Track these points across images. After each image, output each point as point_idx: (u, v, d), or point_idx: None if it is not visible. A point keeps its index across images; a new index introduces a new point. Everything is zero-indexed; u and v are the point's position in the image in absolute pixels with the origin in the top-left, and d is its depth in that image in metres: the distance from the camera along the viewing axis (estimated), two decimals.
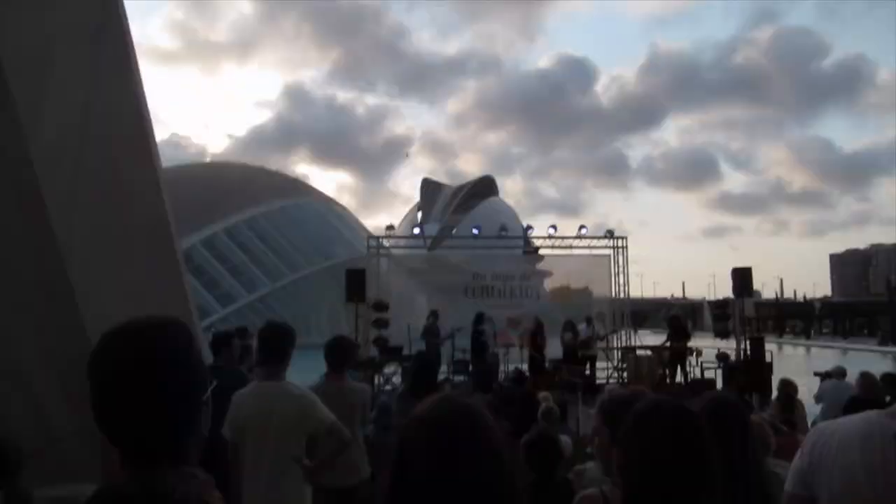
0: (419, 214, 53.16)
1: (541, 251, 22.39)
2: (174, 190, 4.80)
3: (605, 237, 20.97)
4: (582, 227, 20.82)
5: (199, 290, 40.28)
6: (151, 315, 1.48)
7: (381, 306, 17.71)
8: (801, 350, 55.77)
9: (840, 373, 10.56)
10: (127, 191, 4.45)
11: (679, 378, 16.48)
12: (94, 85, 4.23)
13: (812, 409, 10.09)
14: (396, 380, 15.42)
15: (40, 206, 4.07)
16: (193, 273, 38.51)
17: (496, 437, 1.43)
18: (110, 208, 4.39)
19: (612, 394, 2.74)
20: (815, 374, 11.33)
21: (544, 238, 21.18)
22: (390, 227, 21.13)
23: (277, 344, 4.29)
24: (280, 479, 4.10)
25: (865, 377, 8.45)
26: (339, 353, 5.46)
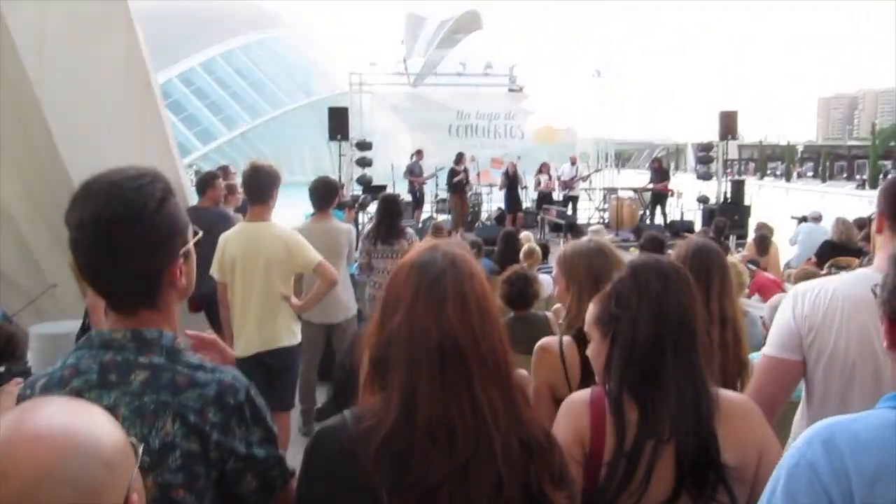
0: (403, 49, 51.53)
1: (526, 90, 21.99)
2: (147, 23, 4.58)
3: (592, 76, 20.58)
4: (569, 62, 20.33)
5: (178, 127, 39.55)
6: (130, 165, 1.45)
7: (364, 145, 17.55)
8: (780, 192, 56.50)
9: (816, 217, 10.75)
10: (98, 22, 4.25)
11: (659, 219, 16.75)
12: None
13: (787, 251, 10.36)
14: None
15: (12, 49, 3.90)
16: (172, 109, 37.62)
17: (480, 287, 1.45)
18: (81, 41, 4.21)
19: (571, 245, 2.76)
20: (792, 217, 11.52)
21: (530, 74, 20.78)
22: (373, 64, 20.55)
23: (262, 186, 4.28)
24: (269, 316, 4.22)
25: (840, 222, 8.63)
26: (324, 194, 5.52)
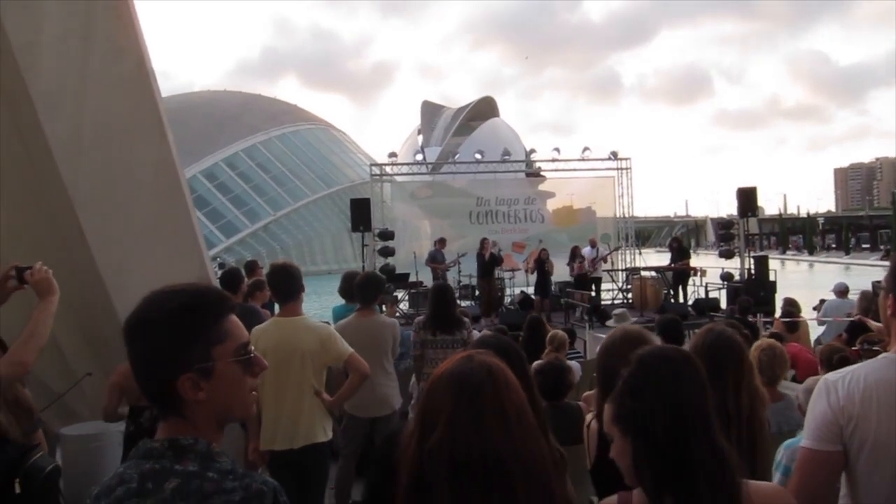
0: (420, 138, 52.57)
1: (544, 173, 22.28)
2: (171, 120, 4.75)
3: (609, 159, 20.83)
4: (586, 148, 20.61)
5: (202, 222, 40.28)
6: (190, 283, 1.53)
7: (386, 235, 17.79)
8: (804, 266, 56.02)
9: (842, 290, 10.63)
10: (130, 131, 4.41)
11: (682, 298, 16.64)
12: (91, 22, 4.14)
13: (815, 327, 10.22)
14: (404, 307, 15.56)
15: (45, 148, 4.05)
16: (196, 204, 38.39)
17: (517, 396, 1.45)
18: (115, 148, 4.36)
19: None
20: (822, 300, 11.33)
21: (548, 161, 21.08)
22: (393, 155, 21.00)
23: (291, 284, 4.39)
24: (303, 410, 4.22)
25: (865, 296, 8.54)
26: (373, 290, 5.58)
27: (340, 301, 7.26)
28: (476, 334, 6.06)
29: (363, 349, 4.47)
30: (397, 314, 15.81)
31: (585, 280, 16.39)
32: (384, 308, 7.59)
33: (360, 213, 16.46)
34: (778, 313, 10.95)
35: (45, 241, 4.24)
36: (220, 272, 8.29)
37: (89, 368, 4.67)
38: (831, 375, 2.11)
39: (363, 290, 5.55)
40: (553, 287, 17.11)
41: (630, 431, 1.75)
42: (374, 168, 20.99)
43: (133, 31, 4.30)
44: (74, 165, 4.15)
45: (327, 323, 5.28)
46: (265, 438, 4.25)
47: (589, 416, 2.61)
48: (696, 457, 1.65)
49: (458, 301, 16.33)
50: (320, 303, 15.88)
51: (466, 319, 6.08)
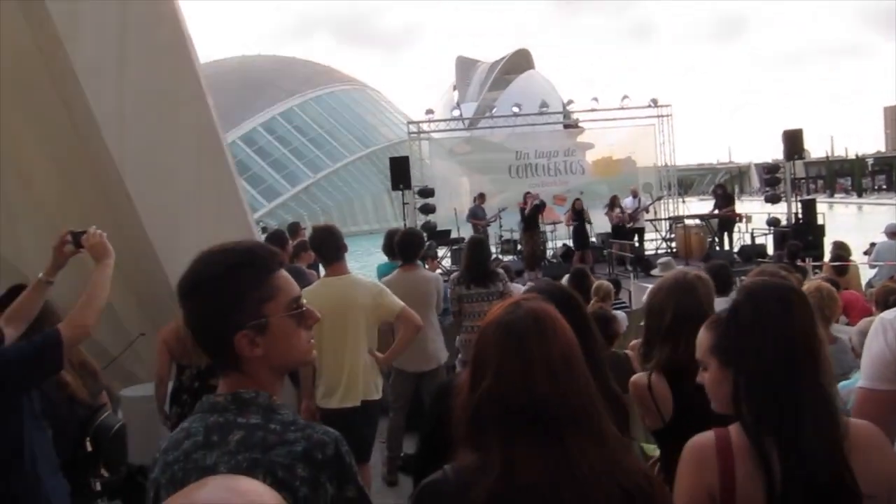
0: (455, 94, 52.14)
1: (582, 124, 21.98)
2: (209, 86, 4.78)
3: (649, 106, 20.44)
4: (625, 97, 20.24)
5: (243, 187, 40.69)
6: (236, 241, 1.55)
7: (426, 192, 17.79)
8: (853, 209, 54.71)
9: (893, 231, 10.37)
10: (172, 100, 4.45)
11: (728, 246, 16.41)
12: None
13: (866, 270, 10.03)
14: (446, 263, 15.63)
15: (91, 118, 4.11)
16: (237, 169, 38.82)
17: (565, 343, 1.46)
18: (157, 116, 4.41)
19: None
20: (872, 244, 11.07)
21: (586, 111, 20.76)
22: (430, 112, 20.88)
23: (334, 244, 4.44)
24: (359, 368, 4.29)
25: None
26: (411, 246, 5.68)
27: (384, 259, 7.34)
28: (514, 287, 6.08)
29: (408, 304, 4.51)
30: (439, 270, 15.94)
31: (624, 230, 16.23)
32: (426, 264, 7.64)
33: (400, 171, 16.47)
34: (827, 257, 10.75)
35: (96, 207, 4.35)
36: (263, 236, 8.40)
37: (142, 330, 4.81)
38: (887, 314, 2.09)
39: (403, 247, 5.63)
40: (595, 238, 16.99)
41: (734, 364, 1.72)
42: (411, 126, 20.93)
43: None
44: (119, 134, 4.21)
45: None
46: (321, 395, 4.33)
47: (641, 376, 2.58)
48: (804, 398, 1.62)
49: (501, 256, 16.45)
50: (364, 262, 15.99)
51: (501, 271, 6.14)
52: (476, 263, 5.94)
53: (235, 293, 1.50)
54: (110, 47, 4.15)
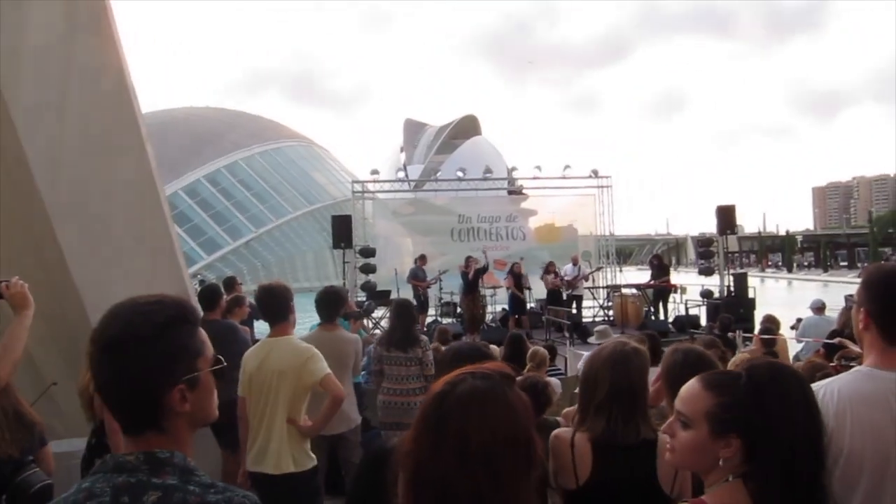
0: (402, 156, 52.66)
1: (525, 191, 22.35)
2: (152, 136, 4.74)
3: (590, 177, 20.95)
4: (567, 166, 20.72)
5: (183, 238, 40.07)
6: (156, 294, 1.51)
7: (367, 252, 17.77)
8: (783, 283, 56.47)
9: (819, 307, 10.74)
10: (110, 149, 4.41)
11: (663, 315, 16.73)
12: (71, 40, 4.14)
13: (794, 343, 10.31)
14: (385, 324, 15.52)
15: (22, 161, 4.03)
16: (176, 220, 38.25)
17: (511, 413, 1.44)
18: (94, 167, 4.35)
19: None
20: (798, 319, 11.45)
21: (529, 179, 21.15)
22: (375, 172, 21.01)
23: (280, 304, 4.34)
24: (286, 432, 4.16)
25: (846, 312, 8.62)
26: (331, 304, 5.53)
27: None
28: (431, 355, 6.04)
29: None
30: (377, 331, 15.80)
31: (559, 295, 16.44)
32: (351, 324, 7.56)
33: (342, 229, 16.44)
34: (758, 329, 11.04)
35: (21, 254, 4.21)
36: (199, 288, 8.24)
37: (62, 380, 4.63)
38: (816, 385, 2.10)
39: (321, 305, 5.53)
40: (533, 304, 17.15)
41: (759, 453, 1.69)
42: (356, 185, 20.98)
43: (114, 48, 4.31)
44: (52, 180, 4.14)
45: None
46: (250, 460, 4.20)
47: (565, 430, 2.59)
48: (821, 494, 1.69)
49: (441, 318, 16.43)
50: (302, 321, 15.76)
51: (424, 338, 6.13)
52: (398, 327, 5.98)
53: (178, 346, 1.47)
54: (51, 92, 4.11)
